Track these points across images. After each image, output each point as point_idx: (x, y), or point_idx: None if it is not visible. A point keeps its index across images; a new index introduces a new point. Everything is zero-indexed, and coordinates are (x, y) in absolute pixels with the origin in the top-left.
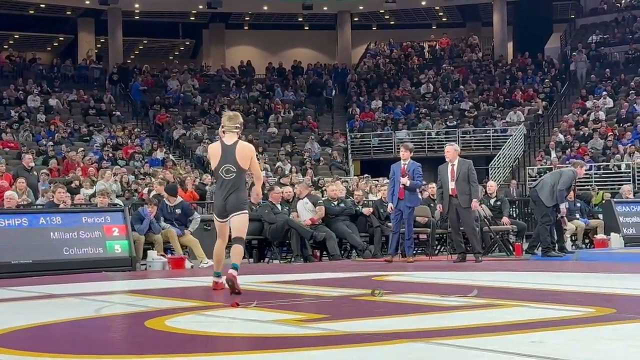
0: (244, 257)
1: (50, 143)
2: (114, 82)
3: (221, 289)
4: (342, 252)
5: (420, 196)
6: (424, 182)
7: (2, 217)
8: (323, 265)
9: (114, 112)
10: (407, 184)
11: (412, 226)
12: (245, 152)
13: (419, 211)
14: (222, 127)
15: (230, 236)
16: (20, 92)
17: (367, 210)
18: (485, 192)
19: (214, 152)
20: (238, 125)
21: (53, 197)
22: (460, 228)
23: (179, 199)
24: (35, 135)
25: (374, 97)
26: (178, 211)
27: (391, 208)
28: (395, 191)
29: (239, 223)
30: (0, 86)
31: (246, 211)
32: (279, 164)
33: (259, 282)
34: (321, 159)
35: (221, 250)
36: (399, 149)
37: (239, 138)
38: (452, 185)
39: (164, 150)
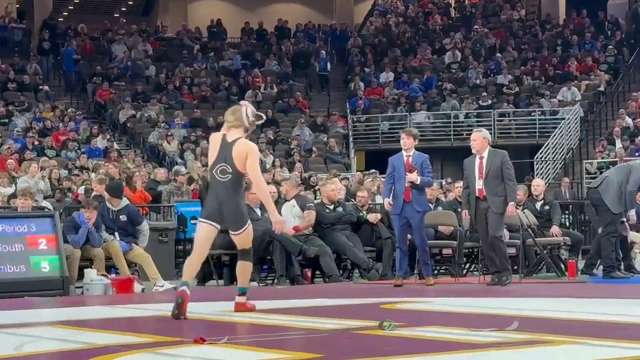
0: (212, 278)
1: None
2: (43, 48)
3: (186, 301)
4: (341, 271)
5: (443, 198)
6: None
7: None
8: (316, 288)
9: (41, 87)
10: (418, 181)
11: (425, 237)
12: (241, 150)
13: (443, 218)
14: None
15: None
16: None
17: (373, 217)
18: (530, 193)
19: (213, 145)
20: (239, 120)
21: None
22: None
23: (125, 201)
24: None
25: (384, 68)
26: (123, 217)
27: (389, 204)
28: (398, 191)
29: (243, 239)
30: None
31: (247, 224)
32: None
33: (231, 311)
34: (314, 149)
35: (197, 265)
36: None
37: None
38: (479, 184)
39: (107, 136)
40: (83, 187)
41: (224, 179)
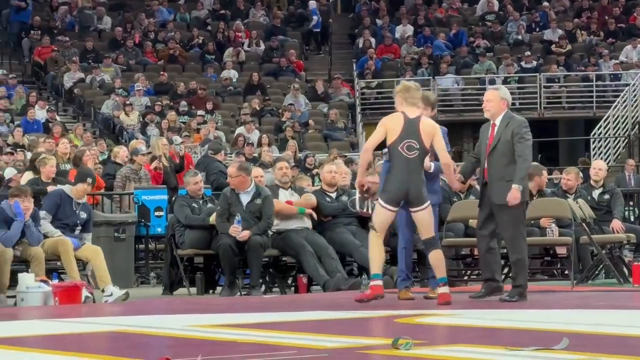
0: (181, 285)
1: None
2: None
3: (379, 296)
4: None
5: (477, 185)
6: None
7: None
8: (312, 299)
9: None
10: (431, 169)
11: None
12: (429, 127)
13: (476, 210)
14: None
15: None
16: None
17: None
18: (585, 179)
19: (392, 125)
20: (417, 99)
21: None
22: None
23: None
24: None
25: (400, 19)
26: (83, 215)
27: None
28: None
29: (428, 219)
30: None
31: (429, 202)
32: (240, 129)
33: (207, 326)
34: (311, 122)
35: (381, 249)
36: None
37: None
38: (485, 162)
39: (48, 106)
40: (12, 168)
41: (412, 155)
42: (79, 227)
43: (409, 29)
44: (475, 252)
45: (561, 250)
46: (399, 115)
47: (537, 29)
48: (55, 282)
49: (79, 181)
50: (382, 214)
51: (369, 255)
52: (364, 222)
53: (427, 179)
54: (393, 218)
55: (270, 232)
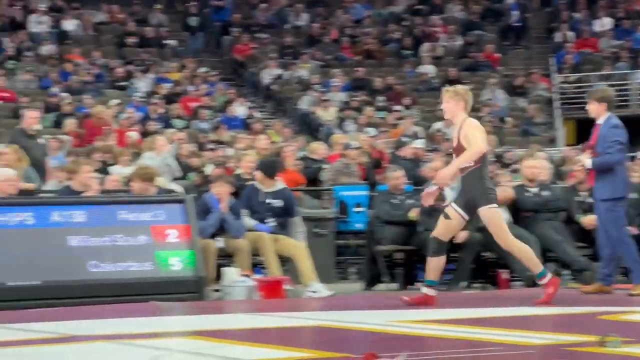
0: (381, 281)
1: (65, 92)
2: (188, 25)
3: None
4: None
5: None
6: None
7: None
8: (514, 294)
9: (166, 41)
10: (589, 164)
11: (625, 234)
12: None
13: None
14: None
15: None
16: (19, 9)
17: (589, 222)
18: None
19: (483, 130)
20: None
21: (71, 179)
22: None
23: (280, 183)
24: (42, 79)
25: (598, 12)
26: (278, 203)
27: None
28: None
29: None
30: None
31: None
32: (437, 125)
33: (410, 322)
34: (509, 118)
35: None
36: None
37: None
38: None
39: (248, 102)
40: (208, 164)
41: None
42: (272, 218)
43: (608, 22)
44: None
45: None
46: (474, 120)
47: None
48: (259, 276)
49: (259, 169)
50: (501, 215)
51: (523, 257)
52: (570, 218)
53: (601, 172)
54: None
55: None
